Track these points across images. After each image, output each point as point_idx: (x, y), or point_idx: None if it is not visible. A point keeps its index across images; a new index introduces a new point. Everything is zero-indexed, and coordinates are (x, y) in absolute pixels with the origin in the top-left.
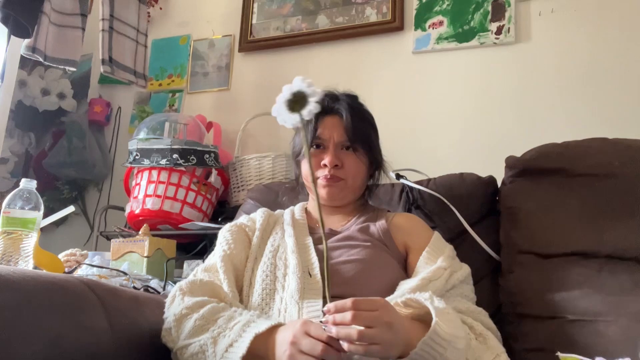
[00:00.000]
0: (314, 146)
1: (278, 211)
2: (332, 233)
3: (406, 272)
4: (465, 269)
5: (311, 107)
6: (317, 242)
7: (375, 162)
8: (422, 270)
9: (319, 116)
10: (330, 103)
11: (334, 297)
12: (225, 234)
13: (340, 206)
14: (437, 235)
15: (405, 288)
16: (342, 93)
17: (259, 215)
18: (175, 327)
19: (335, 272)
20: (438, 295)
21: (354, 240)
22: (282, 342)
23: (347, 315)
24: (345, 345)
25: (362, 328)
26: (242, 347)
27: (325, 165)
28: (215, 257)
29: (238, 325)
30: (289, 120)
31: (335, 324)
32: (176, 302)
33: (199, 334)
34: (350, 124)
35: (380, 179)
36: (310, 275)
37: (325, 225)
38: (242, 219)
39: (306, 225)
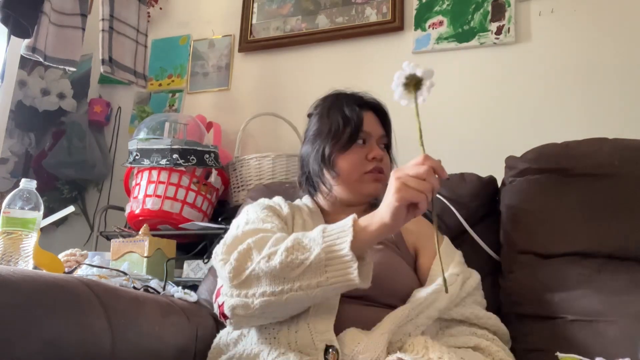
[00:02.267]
0: (359, 140)
1: (289, 202)
2: None
3: (415, 272)
4: (476, 276)
5: (425, 95)
6: None
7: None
8: (436, 278)
9: (362, 110)
10: (364, 98)
11: (349, 298)
12: (258, 211)
13: (352, 205)
14: (446, 241)
15: (420, 296)
16: (359, 92)
17: (282, 202)
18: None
19: None
20: (452, 301)
21: None
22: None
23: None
24: None
25: None
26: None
27: (373, 159)
28: (253, 224)
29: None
30: (404, 100)
31: None
32: (233, 255)
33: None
34: (386, 120)
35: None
36: None
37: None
38: (265, 201)
39: (323, 220)
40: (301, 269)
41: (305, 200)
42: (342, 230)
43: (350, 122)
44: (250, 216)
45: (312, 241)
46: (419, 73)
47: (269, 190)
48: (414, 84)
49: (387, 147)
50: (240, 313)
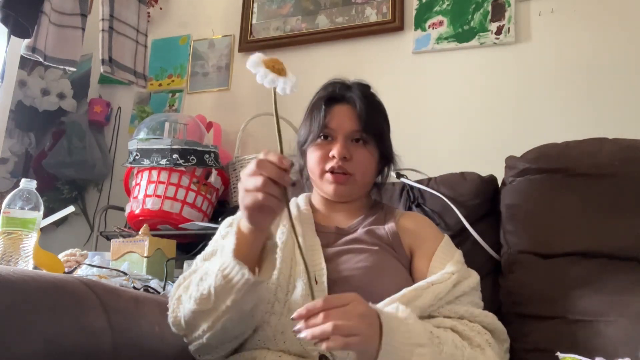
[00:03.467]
0: (322, 137)
1: None
2: (340, 232)
3: (411, 274)
4: (475, 277)
5: (288, 86)
6: (324, 243)
7: (385, 156)
8: (430, 276)
9: (328, 104)
10: (342, 91)
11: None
12: (222, 230)
13: (346, 202)
14: (446, 240)
15: (398, 295)
16: (354, 81)
17: None
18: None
19: (343, 280)
20: (440, 298)
21: (362, 244)
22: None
23: (319, 317)
24: (324, 345)
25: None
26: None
27: (333, 157)
28: (211, 247)
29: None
30: (266, 80)
31: (309, 327)
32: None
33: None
34: (363, 114)
35: (389, 176)
36: (317, 282)
37: (331, 222)
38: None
39: (313, 223)
40: (212, 296)
41: (299, 200)
42: (229, 244)
43: (314, 120)
44: (215, 236)
45: (214, 266)
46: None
47: None
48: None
49: (382, 141)
50: (204, 352)
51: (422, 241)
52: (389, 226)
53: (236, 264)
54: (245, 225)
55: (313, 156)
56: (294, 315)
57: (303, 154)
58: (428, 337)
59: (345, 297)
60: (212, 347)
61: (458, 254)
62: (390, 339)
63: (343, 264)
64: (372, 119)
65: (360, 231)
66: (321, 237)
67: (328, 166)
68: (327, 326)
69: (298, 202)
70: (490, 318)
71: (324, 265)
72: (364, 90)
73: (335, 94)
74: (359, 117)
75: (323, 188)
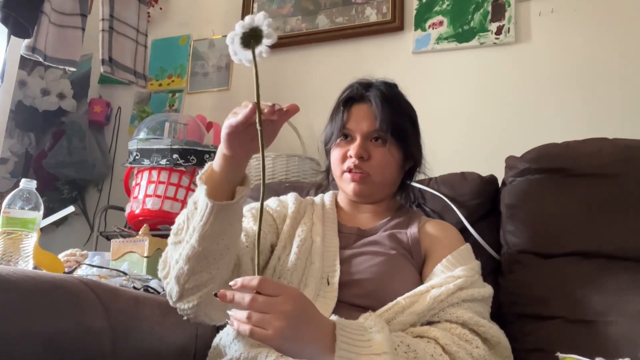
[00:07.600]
0: (342, 136)
1: (307, 198)
2: (360, 234)
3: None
4: (489, 289)
5: (262, 49)
6: (343, 245)
7: (410, 157)
8: (434, 278)
9: (347, 104)
10: (361, 90)
11: (352, 307)
12: (245, 213)
13: (370, 203)
14: (466, 247)
15: (394, 301)
16: (377, 80)
17: (291, 200)
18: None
19: (355, 283)
20: (442, 301)
21: (380, 247)
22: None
23: (246, 298)
24: (235, 324)
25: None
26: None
27: (350, 156)
28: None
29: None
30: (243, 56)
31: (234, 301)
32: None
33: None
34: (380, 113)
35: (416, 178)
36: (328, 283)
37: (355, 223)
38: (270, 202)
39: (336, 222)
40: (185, 224)
41: (326, 197)
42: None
43: (335, 121)
44: None
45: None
46: (264, 28)
47: (269, 190)
48: (254, 37)
49: (404, 141)
50: (174, 295)
51: (439, 246)
52: (412, 231)
53: (202, 187)
54: (220, 154)
55: (334, 156)
56: (232, 282)
57: (327, 154)
58: (391, 347)
59: (281, 288)
60: (179, 287)
61: (475, 263)
62: (344, 349)
63: (356, 266)
64: (390, 118)
65: (381, 234)
66: (342, 237)
67: (346, 165)
68: (242, 314)
69: (324, 200)
70: (496, 331)
71: (338, 267)
72: (386, 89)
73: (354, 94)
74: (376, 117)
75: (344, 188)
